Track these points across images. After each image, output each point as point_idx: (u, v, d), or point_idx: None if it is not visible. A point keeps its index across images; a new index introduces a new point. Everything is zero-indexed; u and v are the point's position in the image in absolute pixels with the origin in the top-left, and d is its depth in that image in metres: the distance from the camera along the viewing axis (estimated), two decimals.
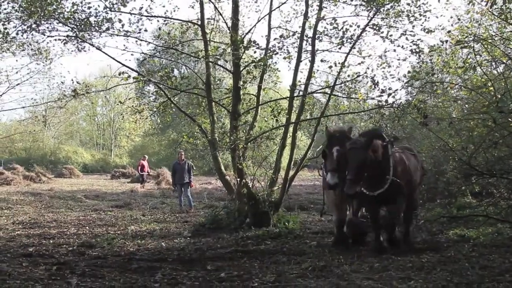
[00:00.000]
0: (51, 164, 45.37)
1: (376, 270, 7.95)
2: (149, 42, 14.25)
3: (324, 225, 13.27)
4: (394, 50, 13.12)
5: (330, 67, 13.32)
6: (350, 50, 13.39)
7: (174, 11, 13.23)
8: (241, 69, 13.30)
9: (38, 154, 52.89)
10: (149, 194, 23.61)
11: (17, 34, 13.40)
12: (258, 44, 12.66)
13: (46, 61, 19.54)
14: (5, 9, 13.15)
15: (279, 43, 13.25)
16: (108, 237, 11.57)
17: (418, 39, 12.80)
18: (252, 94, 14.50)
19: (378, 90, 12.57)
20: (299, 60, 13.45)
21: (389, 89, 12.06)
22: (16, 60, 25.75)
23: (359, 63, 13.37)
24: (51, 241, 11.05)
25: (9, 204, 18.46)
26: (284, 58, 12.93)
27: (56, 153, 53.72)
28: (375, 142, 8.82)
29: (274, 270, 8.06)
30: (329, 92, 13.67)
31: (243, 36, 13.30)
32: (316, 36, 13.34)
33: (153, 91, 15.67)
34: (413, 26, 12.91)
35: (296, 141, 13.94)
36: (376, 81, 12.16)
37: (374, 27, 13.05)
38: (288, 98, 13.77)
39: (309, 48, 13.52)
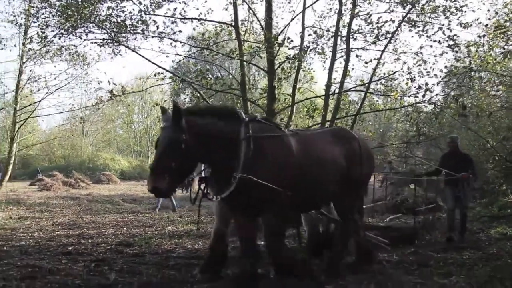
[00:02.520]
0: (89, 171, 45.76)
1: (415, 266, 7.83)
2: (184, 43, 14.35)
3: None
4: (431, 46, 12.96)
5: (366, 62, 13.24)
6: (385, 47, 13.32)
7: (208, 13, 13.25)
8: (276, 67, 13.27)
9: (76, 161, 53.48)
10: (186, 197, 23.65)
11: (54, 37, 13.62)
12: (292, 40, 12.65)
13: (83, 66, 19.90)
14: (42, 14, 13.40)
15: (313, 42, 13.25)
16: (145, 237, 11.64)
17: (454, 35, 12.63)
18: (287, 94, 14.47)
19: (415, 87, 12.46)
20: (333, 59, 13.42)
21: (426, 84, 11.92)
22: (54, 66, 26.39)
23: (395, 60, 13.26)
24: (90, 241, 11.14)
25: (49, 208, 18.81)
26: (319, 53, 12.88)
27: (94, 160, 54.24)
28: (190, 119, 5.92)
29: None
30: (364, 90, 13.57)
31: (277, 35, 13.27)
32: (351, 34, 13.26)
33: (188, 93, 15.77)
34: (449, 21, 12.75)
35: None
36: (413, 76, 12.04)
37: (410, 21, 12.90)
38: (323, 97, 13.70)
39: (344, 46, 13.45)
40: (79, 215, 16.84)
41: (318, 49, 13.06)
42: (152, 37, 13.08)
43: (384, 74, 13.52)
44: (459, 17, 12.62)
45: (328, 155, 7.00)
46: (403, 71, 12.94)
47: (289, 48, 13.18)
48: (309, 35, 13.36)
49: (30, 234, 12.14)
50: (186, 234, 12.06)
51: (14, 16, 17.93)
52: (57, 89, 22.27)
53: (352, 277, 7.04)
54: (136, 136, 67.05)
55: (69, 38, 13.77)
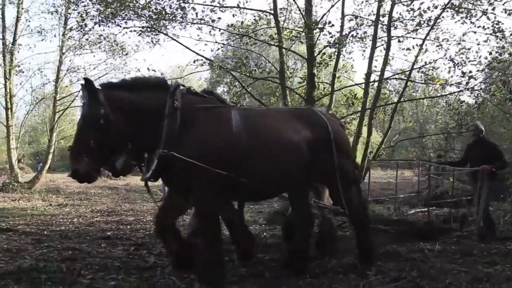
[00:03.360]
0: None
1: (458, 255, 7.62)
2: (223, 31, 14.30)
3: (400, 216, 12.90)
4: (475, 32, 12.64)
5: (408, 49, 12.98)
6: (427, 35, 13.04)
7: (247, 2, 13.18)
8: (316, 54, 13.12)
9: None
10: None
11: (94, 25, 13.70)
12: (333, 25, 12.49)
13: (122, 55, 20.05)
14: (82, 1, 13.49)
15: (353, 30, 13.09)
16: (184, 224, 11.61)
17: (498, 21, 12.31)
18: (326, 83, 14.32)
19: (457, 75, 12.19)
20: (374, 47, 13.21)
21: (470, 72, 11.64)
22: (94, 56, 26.67)
23: (437, 46, 12.98)
24: (128, 227, 11.19)
25: (87, 196, 19.08)
26: (360, 38, 12.69)
27: None
28: (111, 93, 5.46)
29: (354, 254, 7.81)
30: (405, 79, 13.34)
31: (317, 21, 13.10)
32: (391, 22, 13.04)
33: (227, 81, 15.72)
34: (493, 8, 12.40)
35: (372, 128, 13.64)
36: (456, 63, 11.76)
37: (453, 7, 12.59)
38: (363, 84, 13.52)
39: (383, 34, 13.24)
40: (117, 203, 16.99)
41: (359, 36, 12.86)
42: (191, 24, 13.06)
43: (426, 63, 13.28)
44: (505, 2, 12.28)
45: (283, 138, 6.03)
46: (445, 58, 12.67)
47: (330, 36, 13.02)
48: (350, 20, 13.21)
49: (69, 220, 12.30)
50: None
51: (54, 6, 18.15)
52: (96, 79, 22.40)
53: (392, 264, 6.87)
54: None
55: (108, 26, 13.86)
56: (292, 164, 6.03)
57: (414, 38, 13.39)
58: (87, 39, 19.64)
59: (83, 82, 5.31)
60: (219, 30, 13.87)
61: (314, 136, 6.22)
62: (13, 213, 13.55)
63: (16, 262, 7.01)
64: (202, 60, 13.52)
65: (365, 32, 13.19)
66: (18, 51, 22.08)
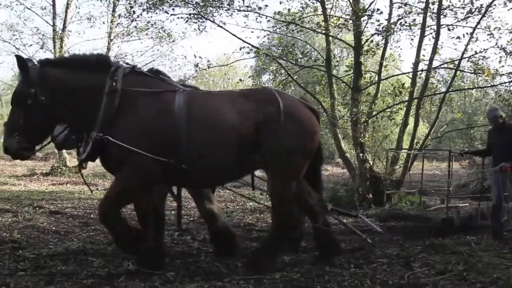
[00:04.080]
0: None
1: (507, 249, 7.44)
2: (270, 18, 14.28)
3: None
4: None
5: (458, 37, 12.71)
6: (478, 23, 12.73)
7: None
8: (363, 43, 12.97)
9: None
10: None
11: (143, 11, 13.82)
12: (381, 12, 12.31)
13: (169, 42, 20.23)
14: None
15: (401, 18, 12.89)
16: (227, 211, 11.70)
17: None
18: (373, 71, 14.18)
19: (509, 65, 11.86)
20: (422, 35, 12.97)
21: None
22: (141, 43, 26.85)
23: (488, 35, 12.66)
24: (173, 212, 11.25)
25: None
26: (409, 26, 12.49)
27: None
28: (46, 71, 5.31)
29: (398, 245, 7.72)
30: (454, 68, 13.09)
31: (365, 8, 12.94)
32: (441, 10, 12.78)
33: (273, 69, 15.69)
34: None
35: (419, 118, 13.44)
36: (508, 52, 11.46)
37: None
38: (411, 74, 13.32)
39: (432, 22, 12.99)
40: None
41: (407, 24, 12.65)
42: (238, 11, 13.06)
43: (476, 52, 12.98)
44: None
45: (227, 120, 5.61)
46: (497, 47, 12.36)
47: (378, 24, 12.85)
48: (399, 7, 13.01)
49: None
50: (268, 210, 11.99)
51: None
52: (143, 66, 22.68)
53: (438, 257, 6.76)
54: None
55: (156, 13, 13.99)
56: (234, 146, 5.59)
57: (464, 26, 13.13)
58: (135, 26, 19.92)
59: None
60: (266, 18, 13.90)
61: (261, 115, 5.70)
62: (61, 196, 13.86)
63: (64, 244, 7.22)
64: (248, 47, 13.56)
65: (413, 20, 12.96)
66: (68, 38, 22.53)
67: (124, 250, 5.88)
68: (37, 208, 11.04)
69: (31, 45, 22.91)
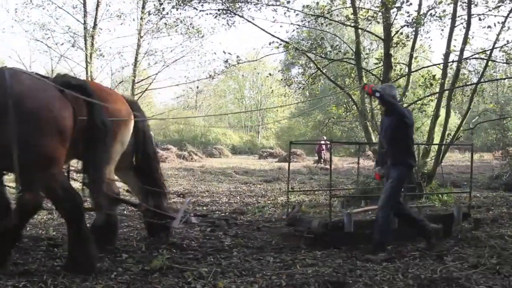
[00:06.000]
0: (202, 145, 46.84)
1: None
2: (299, 12, 14.28)
3: (479, 200, 12.55)
4: None
5: (489, 27, 12.54)
6: (510, 11, 12.57)
7: None
8: (393, 35, 12.88)
9: (189, 136, 54.86)
10: (297, 171, 23.71)
11: (172, 7, 13.93)
12: (411, 3, 12.21)
13: (198, 38, 20.34)
14: None
15: (431, 8, 12.77)
16: (258, 206, 11.73)
17: None
18: (403, 63, 14.07)
19: None
20: (453, 25, 12.82)
21: None
22: (171, 39, 27.12)
23: None
24: (205, 208, 11.38)
25: (164, 177, 19.37)
26: (439, 17, 12.36)
27: (206, 135, 55.39)
28: None
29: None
30: (486, 58, 12.92)
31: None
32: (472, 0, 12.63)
33: (302, 63, 15.67)
34: None
35: (450, 109, 13.29)
36: None
37: None
38: (441, 65, 13.18)
39: (463, 12, 12.85)
40: (193, 184, 17.26)
41: (437, 14, 12.53)
42: (267, 6, 13.09)
43: (508, 41, 12.82)
44: None
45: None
46: None
47: (407, 16, 12.73)
48: None
49: None
50: (299, 205, 12.01)
51: None
52: (173, 62, 22.87)
53: (471, 250, 6.72)
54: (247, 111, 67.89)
55: (185, 9, 14.08)
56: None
57: (495, 15, 12.97)
58: (164, 23, 20.06)
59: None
60: (294, 12, 13.88)
61: None
62: None
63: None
64: (277, 42, 13.57)
65: (444, 11, 12.84)
66: (99, 35, 22.72)
67: None
68: None
69: (62, 43, 23.25)
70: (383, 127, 7.03)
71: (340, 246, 6.86)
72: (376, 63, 14.53)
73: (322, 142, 27.16)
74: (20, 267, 5.52)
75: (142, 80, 24.41)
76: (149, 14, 17.85)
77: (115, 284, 4.90)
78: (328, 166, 27.94)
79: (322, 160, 29.83)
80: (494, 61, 13.53)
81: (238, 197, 13.59)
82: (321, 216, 9.46)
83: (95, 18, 22.39)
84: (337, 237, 7.10)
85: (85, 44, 22.18)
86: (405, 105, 13.00)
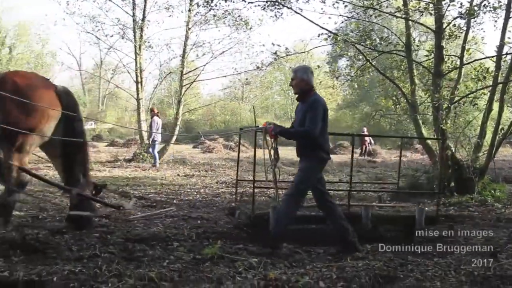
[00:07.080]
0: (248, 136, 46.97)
1: None
2: (347, 3, 14.15)
3: None
4: None
5: None
6: None
7: None
8: (445, 27, 12.67)
9: (235, 126, 55.16)
10: (344, 163, 23.57)
11: (219, 0, 14.03)
12: None
13: (246, 29, 20.40)
14: None
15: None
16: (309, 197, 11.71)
17: None
18: (455, 55, 13.81)
19: None
20: (508, 16, 12.51)
21: None
22: (218, 31, 27.42)
23: None
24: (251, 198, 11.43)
25: (212, 167, 19.73)
26: (493, 8, 12.10)
27: (253, 126, 55.49)
28: None
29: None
30: None
31: None
32: None
33: (351, 55, 15.57)
34: None
35: (504, 103, 12.99)
36: None
37: None
38: (495, 57, 12.90)
39: None
40: (240, 175, 17.31)
41: (491, 5, 12.25)
42: None
43: None
44: None
45: None
46: None
47: (460, 6, 12.48)
48: None
49: (196, 190, 12.86)
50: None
51: None
52: (220, 53, 22.96)
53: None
54: (293, 102, 67.66)
55: (233, 1, 14.16)
56: None
57: None
58: (213, 15, 20.19)
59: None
60: (343, 3, 13.75)
61: None
62: (144, 182, 14.31)
63: (150, 229, 7.47)
64: (326, 34, 13.50)
65: (499, 1, 12.53)
66: (147, 27, 23.02)
67: None
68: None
69: (112, 35, 23.64)
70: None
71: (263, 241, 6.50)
72: (426, 55, 14.31)
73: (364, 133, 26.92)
74: (76, 253, 5.67)
75: (190, 71, 24.57)
76: (198, 6, 17.91)
77: (168, 272, 4.98)
78: (374, 159, 27.76)
79: (364, 152, 29.68)
80: None
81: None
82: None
83: (144, 10, 22.68)
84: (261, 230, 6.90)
85: (134, 36, 22.53)
86: (456, 98, 12.79)
